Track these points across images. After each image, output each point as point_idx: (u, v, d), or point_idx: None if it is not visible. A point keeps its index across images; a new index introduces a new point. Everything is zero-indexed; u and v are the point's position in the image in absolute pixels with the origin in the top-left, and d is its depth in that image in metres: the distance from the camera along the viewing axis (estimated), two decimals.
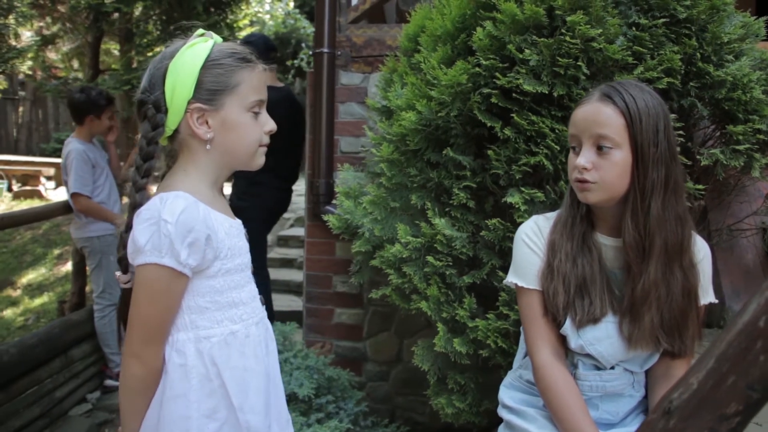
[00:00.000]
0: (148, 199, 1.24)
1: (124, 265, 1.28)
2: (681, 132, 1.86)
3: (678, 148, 1.79)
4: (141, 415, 1.27)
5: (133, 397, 1.26)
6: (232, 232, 1.30)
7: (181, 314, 1.27)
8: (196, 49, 1.24)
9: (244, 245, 1.36)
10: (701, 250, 1.50)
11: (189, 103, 1.23)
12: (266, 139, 1.33)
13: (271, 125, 1.33)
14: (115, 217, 3.87)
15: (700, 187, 1.88)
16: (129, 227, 1.25)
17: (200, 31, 1.30)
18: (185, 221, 1.18)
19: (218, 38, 1.30)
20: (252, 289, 1.39)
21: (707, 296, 1.51)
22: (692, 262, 1.45)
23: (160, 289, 1.20)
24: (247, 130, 1.29)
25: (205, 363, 1.27)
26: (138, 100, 1.27)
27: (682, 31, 1.96)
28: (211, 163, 1.30)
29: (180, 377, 1.25)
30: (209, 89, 1.24)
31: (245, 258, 1.36)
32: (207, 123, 1.25)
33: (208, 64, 1.24)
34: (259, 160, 1.35)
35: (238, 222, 1.38)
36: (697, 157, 1.93)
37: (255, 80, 1.29)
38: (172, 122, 1.25)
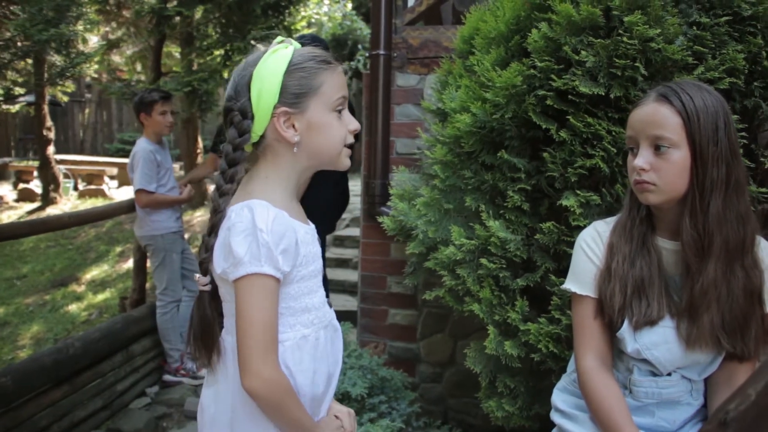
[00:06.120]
0: (228, 205, 1.26)
1: (204, 267, 1.30)
2: (744, 134, 1.81)
3: (741, 150, 1.75)
4: (301, 414, 1.27)
5: (283, 409, 1.24)
6: (306, 239, 1.31)
7: None
8: (278, 55, 1.27)
9: (317, 251, 1.36)
10: None
11: (275, 107, 1.26)
12: (350, 139, 1.34)
13: (354, 125, 1.34)
14: (181, 199, 4.01)
15: (764, 190, 1.82)
16: (211, 231, 1.27)
17: (279, 38, 1.32)
18: (278, 229, 1.21)
19: (297, 44, 1.32)
20: (322, 294, 1.39)
21: None
22: (755, 262, 1.41)
23: (265, 297, 1.21)
24: (332, 130, 1.30)
25: None
26: (224, 108, 1.30)
27: (746, 29, 1.89)
28: (295, 167, 1.32)
29: None
30: (294, 93, 1.26)
31: (318, 264, 1.36)
32: (294, 126, 1.28)
33: (291, 69, 1.26)
34: (346, 161, 1.36)
35: (312, 227, 1.39)
36: (761, 159, 1.87)
37: (336, 80, 1.31)
38: (258, 128, 1.27)
